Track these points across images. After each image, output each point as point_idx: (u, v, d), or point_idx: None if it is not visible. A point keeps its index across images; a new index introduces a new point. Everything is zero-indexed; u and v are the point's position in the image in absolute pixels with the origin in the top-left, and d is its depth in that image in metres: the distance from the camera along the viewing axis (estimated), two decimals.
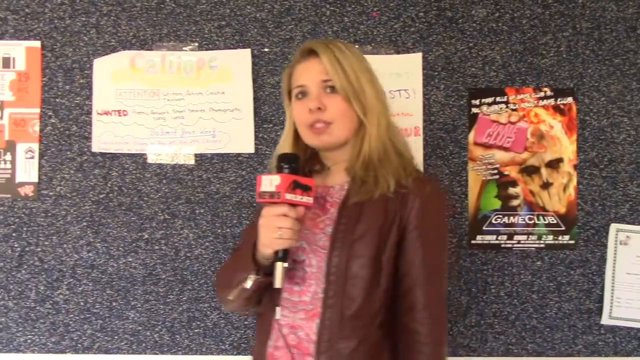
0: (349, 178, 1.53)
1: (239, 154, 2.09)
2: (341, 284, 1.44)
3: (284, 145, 1.61)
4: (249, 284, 1.45)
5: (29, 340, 2.05)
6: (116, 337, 2.06)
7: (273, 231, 1.39)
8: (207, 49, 2.10)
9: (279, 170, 1.42)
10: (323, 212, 1.52)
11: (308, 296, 1.48)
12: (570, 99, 2.11)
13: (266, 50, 2.10)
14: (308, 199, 1.40)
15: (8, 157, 2.07)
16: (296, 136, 1.59)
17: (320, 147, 1.56)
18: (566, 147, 2.10)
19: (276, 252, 1.40)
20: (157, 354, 2.06)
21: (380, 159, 1.51)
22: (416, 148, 2.07)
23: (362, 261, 1.45)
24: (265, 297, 1.54)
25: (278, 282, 1.40)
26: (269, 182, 1.39)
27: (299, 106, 1.54)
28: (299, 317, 1.48)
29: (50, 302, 2.06)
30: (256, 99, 2.09)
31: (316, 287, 1.47)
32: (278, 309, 1.49)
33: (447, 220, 1.60)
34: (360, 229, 1.46)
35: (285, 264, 1.40)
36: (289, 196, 1.37)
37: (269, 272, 1.43)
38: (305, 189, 1.40)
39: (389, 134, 1.55)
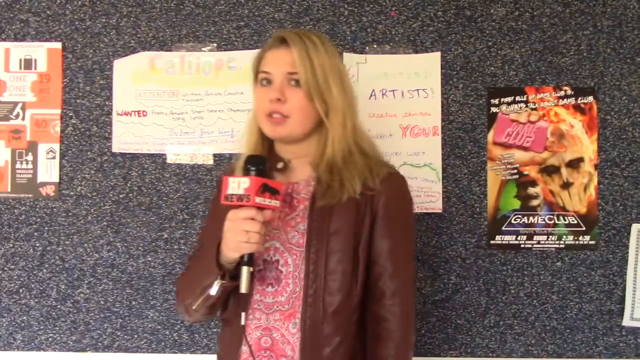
0: (314, 173, 1.51)
1: None
2: (321, 281, 1.44)
3: (251, 133, 1.58)
4: (214, 289, 1.40)
5: (50, 339, 2.08)
6: (136, 335, 2.08)
7: (240, 235, 1.36)
8: (225, 50, 2.11)
9: (246, 172, 1.39)
10: (291, 209, 1.50)
11: (284, 296, 1.46)
12: (590, 98, 2.08)
13: None
14: (276, 203, 1.38)
15: (30, 157, 2.09)
16: None
17: (275, 138, 1.54)
18: (587, 147, 2.08)
19: (242, 256, 1.38)
20: (176, 352, 2.07)
21: (345, 161, 1.49)
22: (435, 148, 2.08)
23: (339, 256, 1.45)
24: (231, 303, 1.51)
25: (244, 287, 1.38)
26: (237, 184, 1.36)
27: (261, 93, 1.52)
28: (273, 319, 1.46)
29: (71, 300, 2.08)
30: None
31: (294, 287, 1.46)
32: (243, 315, 1.45)
33: (413, 213, 1.61)
34: (334, 224, 1.45)
35: (251, 268, 1.39)
36: (258, 199, 1.35)
37: (234, 276, 1.41)
38: (274, 192, 1.38)
39: (354, 135, 1.53)
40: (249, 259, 1.38)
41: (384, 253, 1.48)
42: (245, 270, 1.38)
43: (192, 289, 1.47)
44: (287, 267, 1.47)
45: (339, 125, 1.50)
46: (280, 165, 1.54)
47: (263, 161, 1.43)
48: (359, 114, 1.58)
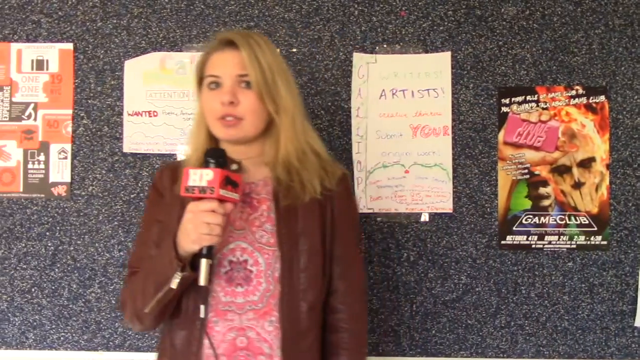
0: (271, 173, 1.53)
1: None
2: (296, 279, 1.46)
3: (199, 135, 1.57)
4: (175, 283, 1.37)
5: (62, 338, 2.09)
6: (147, 335, 2.08)
7: (202, 227, 1.35)
8: None
9: (205, 165, 1.39)
10: (253, 209, 1.51)
11: (257, 295, 1.47)
12: (602, 98, 2.07)
13: (294, 50, 2.10)
14: (236, 195, 1.39)
15: (42, 157, 2.10)
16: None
17: (228, 140, 1.53)
18: (598, 146, 2.07)
19: (201, 249, 1.38)
20: None
21: (300, 160, 1.51)
22: (445, 148, 2.07)
23: (310, 254, 1.48)
24: (186, 305, 1.47)
25: (203, 279, 1.37)
26: (199, 176, 1.35)
27: (211, 97, 1.50)
28: (247, 318, 1.46)
29: (83, 300, 2.09)
30: None
31: (267, 285, 1.46)
32: (202, 307, 1.44)
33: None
34: (301, 224, 1.49)
35: (210, 261, 1.38)
36: (222, 192, 1.35)
37: (193, 268, 1.40)
38: (234, 185, 1.38)
39: (305, 135, 1.55)
40: (208, 251, 1.38)
41: (337, 250, 1.54)
42: (204, 263, 1.38)
43: (144, 290, 1.43)
44: (258, 267, 1.47)
45: (289, 124, 1.52)
46: (234, 167, 1.53)
47: (223, 154, 1.43)
48: (305, 114, 1.59)
